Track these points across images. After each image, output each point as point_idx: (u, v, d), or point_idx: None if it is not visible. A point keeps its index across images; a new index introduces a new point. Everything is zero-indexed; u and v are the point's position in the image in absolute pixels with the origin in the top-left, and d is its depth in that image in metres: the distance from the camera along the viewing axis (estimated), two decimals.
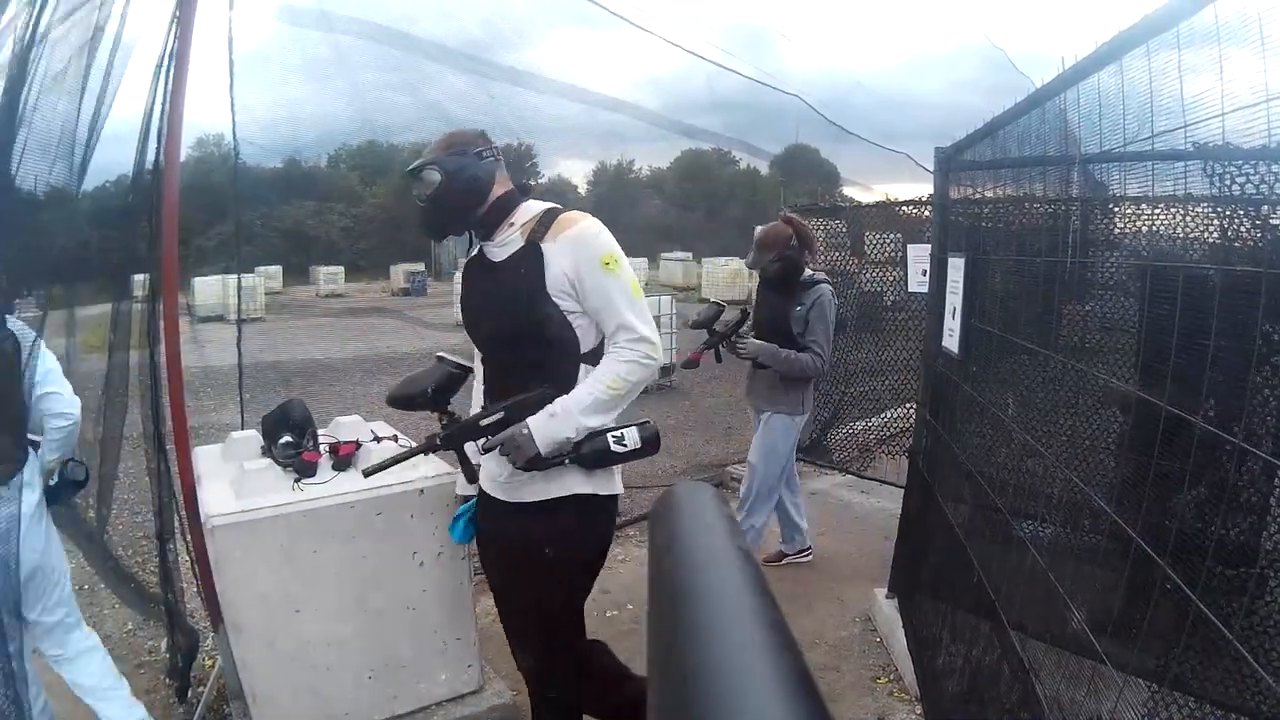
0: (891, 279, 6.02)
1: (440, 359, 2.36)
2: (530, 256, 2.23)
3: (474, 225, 2.37)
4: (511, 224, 2.32)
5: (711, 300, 4.37)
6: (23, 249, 2.55)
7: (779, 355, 3.97)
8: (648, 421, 2.28)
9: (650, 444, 2.27)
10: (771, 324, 4.07)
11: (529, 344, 2.26)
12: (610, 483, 2.36)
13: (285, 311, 22.87)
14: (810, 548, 4.80)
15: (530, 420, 2.19)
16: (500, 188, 2.34)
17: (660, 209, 49.59)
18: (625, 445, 2.23)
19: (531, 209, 2.33)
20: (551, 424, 2.18)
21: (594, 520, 2.35)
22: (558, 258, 2.20)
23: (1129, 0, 1.71)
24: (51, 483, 2.67)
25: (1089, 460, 2.06)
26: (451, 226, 2.42)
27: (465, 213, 2.34)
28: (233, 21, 3.33)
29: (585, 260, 2.19)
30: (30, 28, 2.08)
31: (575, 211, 2.29)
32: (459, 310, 2.56)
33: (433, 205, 2.33)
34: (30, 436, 2.56)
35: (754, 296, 4.36)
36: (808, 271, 4.04)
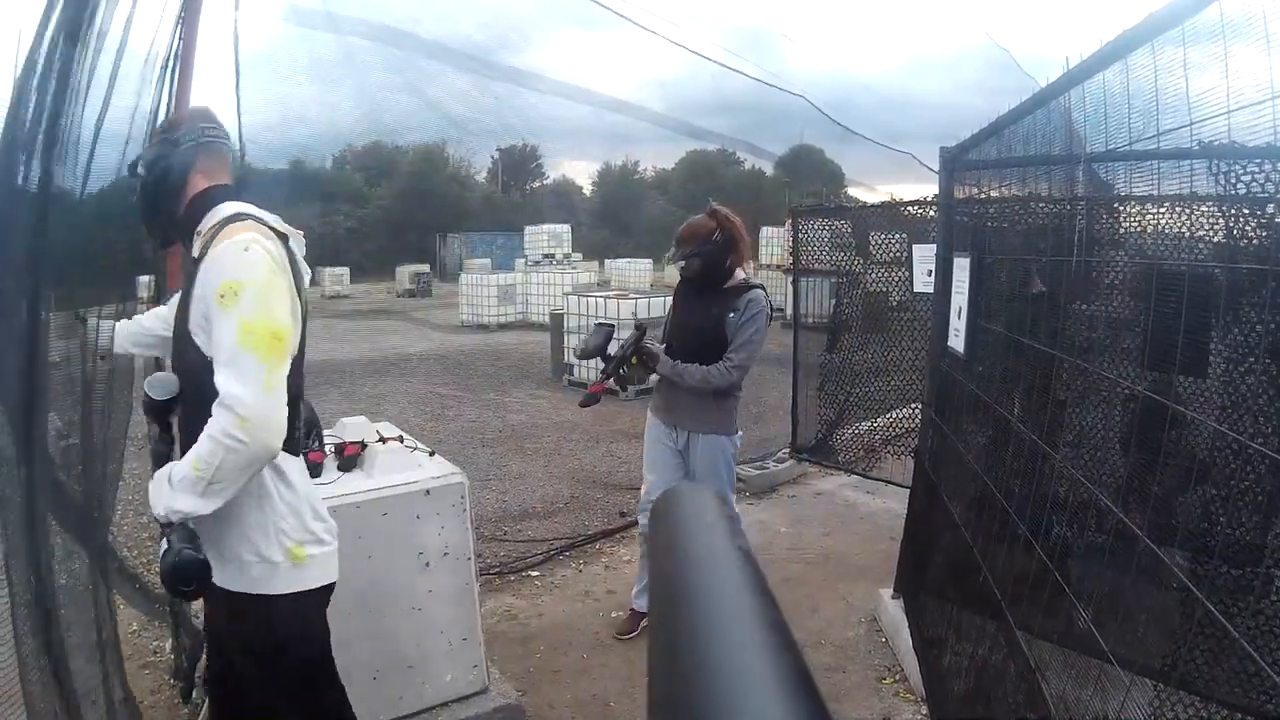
0: (897, 279, 6.02)
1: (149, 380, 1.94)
2: (190, 277, 1.80)
3: (182, 231, 1.91)
4: (199, 232, 1.84)
5: (600, 321, 3.86)
6: (29, 251, 2.56)
7: (675, 369, 3.50)
8: (186, 550, 1.61)
9: (169, 576, 1.61)
10: (696, 331, 3.58)
11: (186, 384, 1.86)
12: (242, 577, 1.79)
13: None
14: None
15: (159, 472, 1.76)
16: (202, 182, 1.87)
17: (665, 209, 49.69)
18: (160, 552, 1.64)
19: (220, 213, 1.83)
20: (153, 487, 1.73)
21: (238, 611, 1.84)
22: (200, 281, 1.73)
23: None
24: None
25: (1095, 459, 2.05)
26: (163, 231, 2.00)
27: (166, 215, 1.90)
28: (238, 22, 3.34)
29: (209, 287, 1.69)
30: (39, 31, 2.09)
31: (244, 222, 1.77)
32: None
33: (139, 207, 1.94)
34: None
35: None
36: (740, 275, 3.57)
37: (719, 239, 3.48)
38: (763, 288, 3.62)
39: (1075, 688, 1.83)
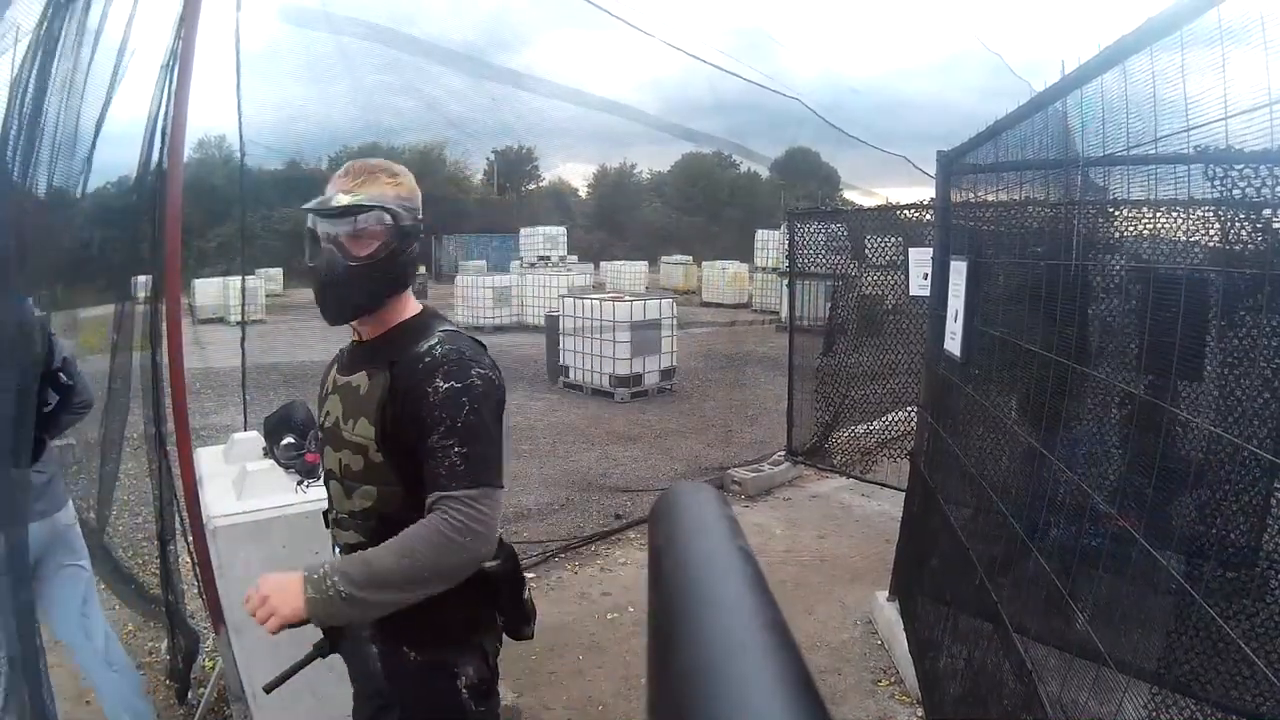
0: (892, 282, 6.03)
1: None
2: None
3: None
4: None
5: None
6: (27, 249, 2.55)
7: None
8: None
9: None
10: None
11: None
12: None
13: (286, 313, 22.86)
14: None
15: None
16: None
17: (661, 212, 49.68)
18: None
19: None
20: None
21: None
22: None
23: (1130, 4, 1.71)
24: None
25: (1091, 461, 2.06)
26: None
27: None
28: (240, 23, 3.34)
29: None
30: (42, 31, 2.08)
31: None
32: None
33: None
34: None
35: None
36: None
37: None
38: None
39: (1071, 690, 1.84)
